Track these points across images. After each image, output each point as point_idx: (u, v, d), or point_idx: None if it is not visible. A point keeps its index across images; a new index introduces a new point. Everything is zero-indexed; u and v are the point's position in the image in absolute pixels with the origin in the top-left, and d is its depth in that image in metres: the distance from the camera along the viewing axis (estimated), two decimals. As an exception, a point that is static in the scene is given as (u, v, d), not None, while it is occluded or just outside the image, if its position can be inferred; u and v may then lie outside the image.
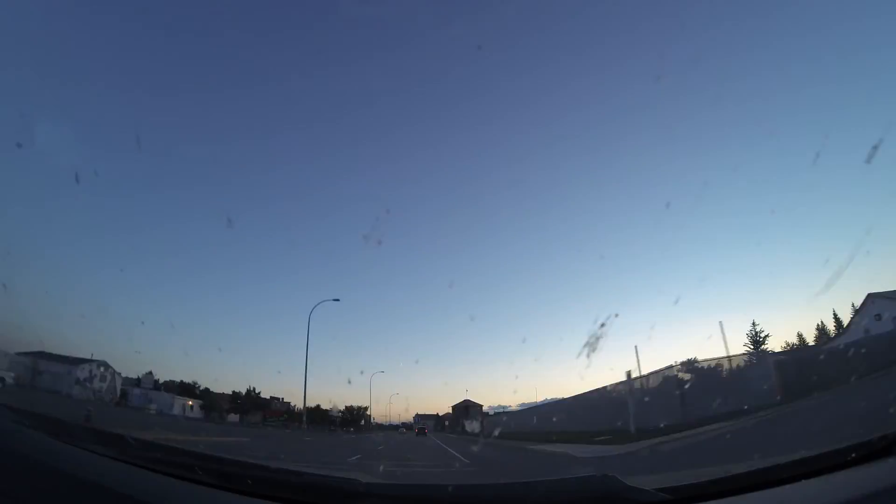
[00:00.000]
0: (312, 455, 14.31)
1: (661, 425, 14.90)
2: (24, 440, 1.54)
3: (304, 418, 46.97)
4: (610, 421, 19.33)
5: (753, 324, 35.11)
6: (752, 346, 33.09)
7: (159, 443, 1.73)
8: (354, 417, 76.45)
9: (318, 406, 67.73)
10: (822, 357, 20.30)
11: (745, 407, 13.67)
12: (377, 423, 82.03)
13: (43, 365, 35.44)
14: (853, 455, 1.50)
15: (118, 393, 48.32)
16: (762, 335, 34.54)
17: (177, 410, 51.83)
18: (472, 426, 59.84)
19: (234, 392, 65.30)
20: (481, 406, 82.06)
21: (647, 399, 19.12)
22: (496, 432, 39.25)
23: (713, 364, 19.40)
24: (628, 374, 20.41)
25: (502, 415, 50.67)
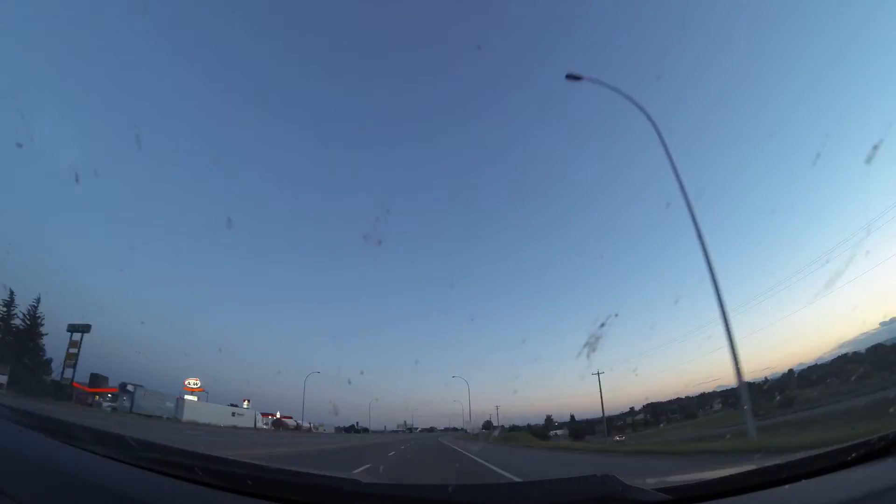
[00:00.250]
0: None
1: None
2: (24, 440, 1.54)
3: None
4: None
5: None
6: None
7: (159, 443, 1.73)
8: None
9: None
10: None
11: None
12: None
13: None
14: (853, 455, 1.50)
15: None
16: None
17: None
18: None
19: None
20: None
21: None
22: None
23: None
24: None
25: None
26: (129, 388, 41.67)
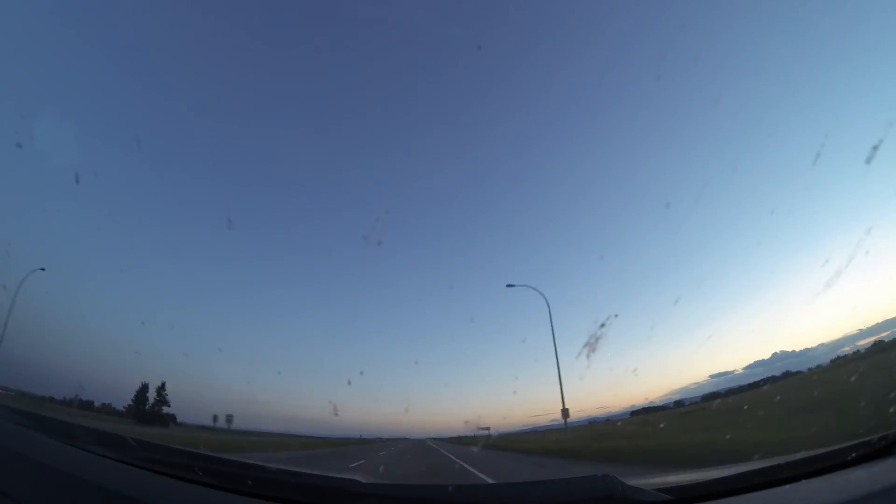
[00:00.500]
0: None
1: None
2: (24, 440, 1.54)
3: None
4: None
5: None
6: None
7: (159, 443, 1.73)
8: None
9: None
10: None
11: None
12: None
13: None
14: (853, 455, 1.50)
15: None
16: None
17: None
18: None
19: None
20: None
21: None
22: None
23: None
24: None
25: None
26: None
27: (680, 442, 12.88)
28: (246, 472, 1.60)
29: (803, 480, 1.42)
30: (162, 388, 62.74)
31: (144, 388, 61.38)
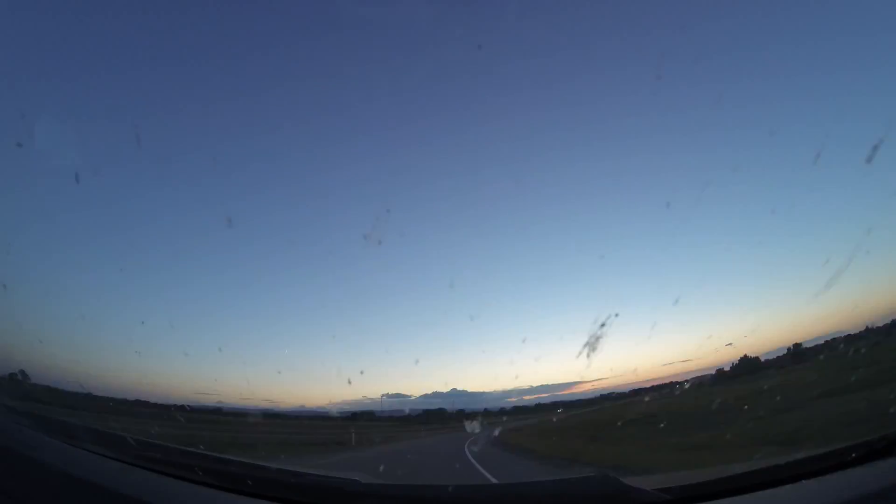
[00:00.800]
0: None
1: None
2: (24, 440, 1.54)
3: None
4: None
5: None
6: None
7: (159, 443, 1.73)
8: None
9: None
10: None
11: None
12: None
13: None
14: (853, 455, 1.50)
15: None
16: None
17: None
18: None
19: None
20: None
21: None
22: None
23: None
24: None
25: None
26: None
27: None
28: (246, 472, 1.61)
29: (803, 480, 1.42)
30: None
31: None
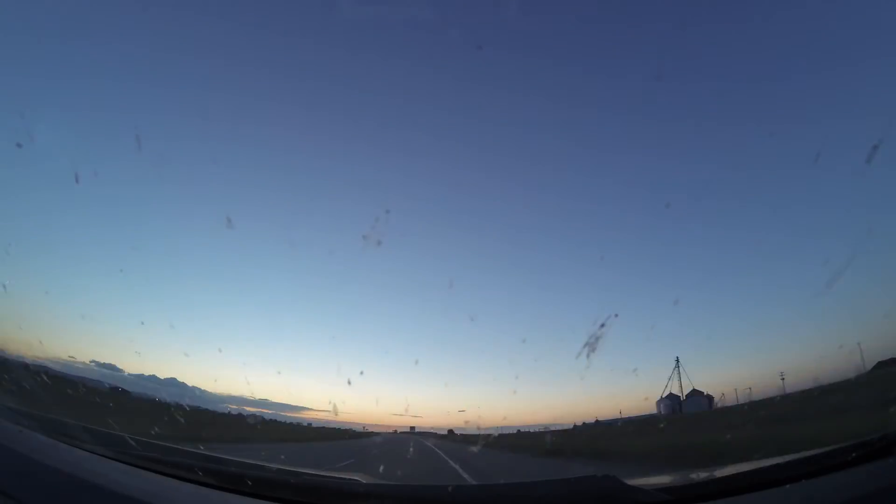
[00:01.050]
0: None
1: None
2: (24, 440, 1.54)
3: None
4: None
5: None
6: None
7: (159, 443, 1.73)
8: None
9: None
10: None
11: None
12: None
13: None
14: (853, 455, 1.50)
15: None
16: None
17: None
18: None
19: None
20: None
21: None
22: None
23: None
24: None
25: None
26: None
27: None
28: (246, 472, 1.61)
29: (803, 480, 1.42)
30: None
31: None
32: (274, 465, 1.72)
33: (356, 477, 1.70)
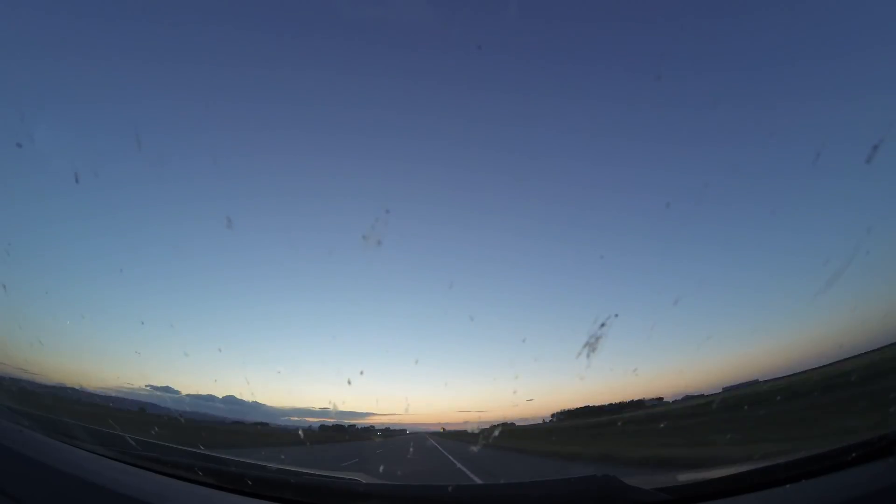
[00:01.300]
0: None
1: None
2: (24, 440, 1.54)
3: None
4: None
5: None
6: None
7: (159, 443, 1.73)
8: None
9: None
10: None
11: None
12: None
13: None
14: (853, 455, 1.50)
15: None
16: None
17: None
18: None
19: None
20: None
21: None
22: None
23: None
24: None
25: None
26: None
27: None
28: (246, 472, 1.61)
29: (803, 480, 1.42)
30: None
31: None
32: (274, 465, 1.72)
33: (356, 477, 1.70)
